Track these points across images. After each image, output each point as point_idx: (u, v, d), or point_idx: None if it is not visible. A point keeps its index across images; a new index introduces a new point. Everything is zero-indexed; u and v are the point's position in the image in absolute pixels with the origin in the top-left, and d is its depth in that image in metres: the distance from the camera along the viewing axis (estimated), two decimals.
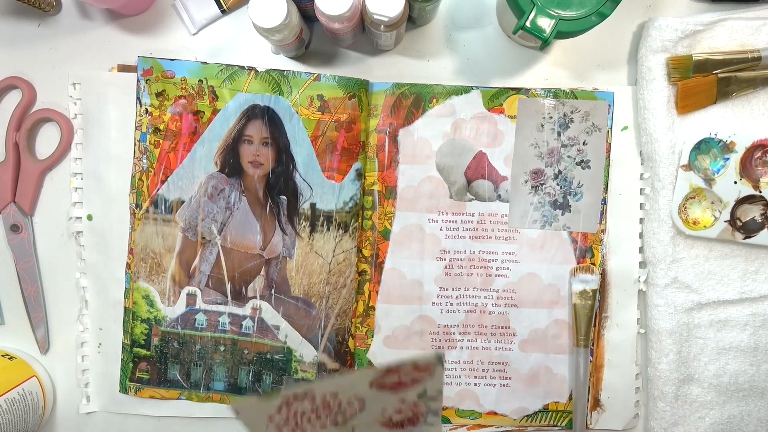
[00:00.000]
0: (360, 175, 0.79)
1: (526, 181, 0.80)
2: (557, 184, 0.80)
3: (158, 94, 0.79)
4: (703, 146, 0.78)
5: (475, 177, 0.80)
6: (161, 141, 0.79)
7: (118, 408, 0.83)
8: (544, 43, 0.68)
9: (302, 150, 0.79)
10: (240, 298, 0.81)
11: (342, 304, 0.80)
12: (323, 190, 0.79)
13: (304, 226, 0.80)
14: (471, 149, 0.80)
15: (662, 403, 0.80)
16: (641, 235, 0.81)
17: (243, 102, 0.79)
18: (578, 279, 0.80)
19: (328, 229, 0.79)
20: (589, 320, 0.80)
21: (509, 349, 0.82)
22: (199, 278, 0.80)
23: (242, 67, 0.79)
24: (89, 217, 0.81)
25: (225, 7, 0.80)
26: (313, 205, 0.79)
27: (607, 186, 0.80)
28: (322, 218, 0.79)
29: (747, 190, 0.77)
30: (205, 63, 0.79)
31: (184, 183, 0.79)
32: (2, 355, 0.80)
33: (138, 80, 0.79)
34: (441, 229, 0.81)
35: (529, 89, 0.80)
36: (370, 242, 0.81)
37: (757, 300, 0.79)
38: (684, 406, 0.81)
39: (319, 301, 0.80)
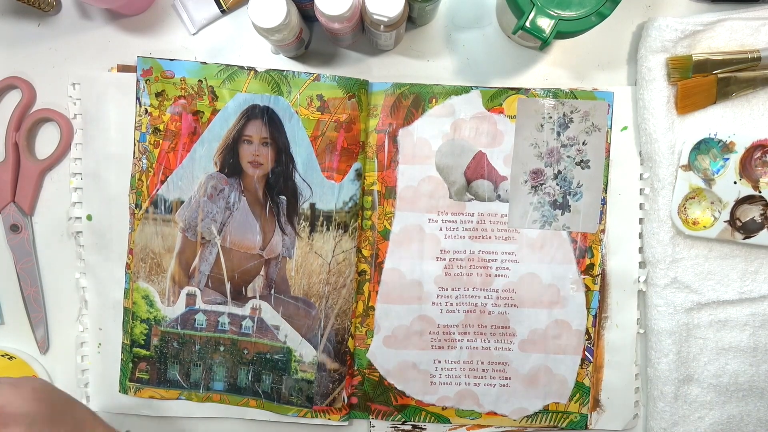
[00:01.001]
0: (359, 175, 0.79)
1: (526, 181, 0.80)
2: (557, 184, 0.80)
3: (158, 94, 0.79)
4: (702, 146, 0.78)
5: (474, 177, 0.80)
6: (161, 141, 0.79)
7: (117, 408, 0.83)
8: (544, 43, 0.68)
9: (302, 150, 0.79)
10: (240, 298, 0.81)
11: (342, 304, 0.80)
12: (323, 190, 0.79)
13: (304, 226, 0.80)
14: (470, 149, 0.80)
15: (662, 403, 0.80)
16: (641, 235, 0.81)
17: (242, 102, 0.79)
18: None
19: (328, 229, 0.79)
20: None
21: (509, 349, 0.82)
22: (199, 278, 0.80)
23: (242, 67, 0.79)
24: (89, 217, 0.81)
25: (225, 7, 0.80)
26: (312, 205, 0.79)
27: (606, 186, 0.80)
28: (321, 218, 0.79)
29: (747, 190, 0.77)
30: (205, 63, 0.79)
31: (184, 183, 0.79)
32: (2, 355, 0.80)
33: (137, 80, 0.79)
34: (440, 229, 0.81)
35: (529, 89, 0.80)
36: (370, 242, 0.81)
37: (757, 300, 0.79)
38: (683, 406, 0.81)
39: (318, 301, 0.80)
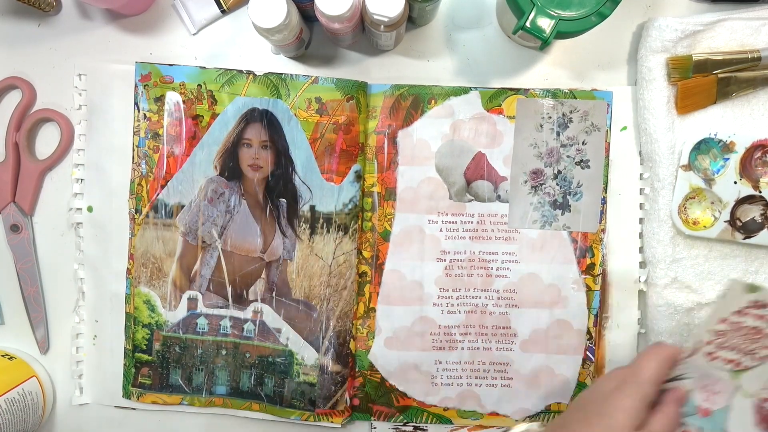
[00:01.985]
0: (359, 176, 0.79)
1: (526, 182, 0.80)
2: (557, 184, 0.80)
3: (156, 99, 0.79)
4: (702, 146, 0.78)
5: (474, 178, 0.80)
6: (160, 146, 0.79)
7: (119, 413, 0.84)
8: (544, 44, 0.67)
9: (301, 152, 0.79)
10: (241, 301, 0.81)
11: (343, 306, 0.80)
12: (322, 192, 0.79)
13: (304, 229, 0.80)
14: (470, 150, 0.80)
15: None
16: (641, 235, 0.81)
17: (242, 106, 0.78)
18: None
19: (328, 231, 0.79)
20: None
21: (510, 350, 0.82)
22: (200, 282, 0.80)
23: (240, 71, 0.79)
24: (89, 209, 0.81)
25: (225, 7, 0.80)
26: (312, 208, 0.79)
27: (606, 186, 0.80)
28: (321, 220, 0.79)
29: (747, 190, 0.77)
30: (204, 68, 0.79)
31: (184, 187, 0.79)
32: (2, 355, 0.80)
33: (136, 86, 0.79)
34: (441, 230, 0.81)
35: (528, 89, 0.80)
36: (370, 244, 0.81)
37: None
38: None
39: (319, 303, 0.80)
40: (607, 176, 0.80)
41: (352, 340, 0.81)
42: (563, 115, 0.80)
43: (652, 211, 0.79)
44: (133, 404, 0.83)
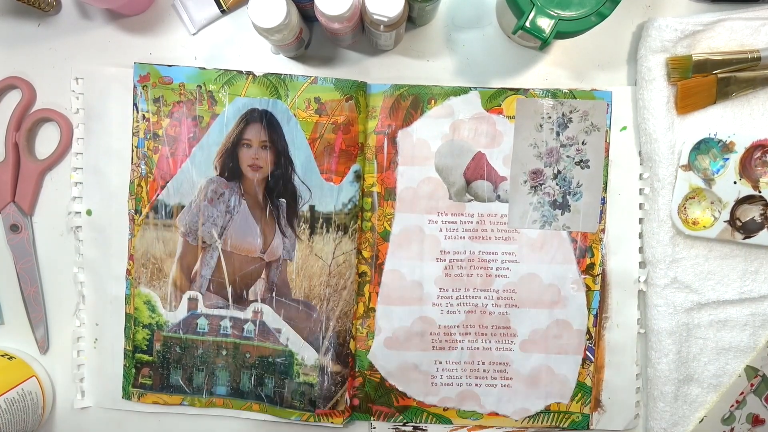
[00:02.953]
0: (359, 176, 0.79)
1: (526, 182, 0.80)
2: (556, 184, 0.80)
3: (155, 100, 0.79)
4: (702, 146, 0.78)
5: (474, 178, 0.80)
6: (160, 147, 0.79)
7: (119, 412, 0.83)
8: (544, 44, 0.67)
9: (300, 152, 0.79)
10: (241, 301, 0.81)
11: (342, 306, 0.80)
12: (322, 192, 0.79)
13: (304, 229, 0.80)
14: (470, 150, 0.80)
15: (662, 403, 0.80)
16: (641, 235, 0.81)
17: (241, 106, 0.78)
18: None
19: (328, 231, 0.79)
20: None
21: (510, 350, 0.82)
22: (201, 282, 0.80)
23: (240, 72, 0.79)
24: (89, 212, 0.81)
25: (225, 7, 0.80)
26: (312, 208, 0.79)
27: (606, 186, 0.80)
28: (321, 220, 0.79)
29: (746, 190, 0.78)
30: (203, 68, 0.79)
31: (184, 188, 0.79)
32: (2, 355, 0.80)
33: (134, 86, 0.79)
34: (440, 230, 0.81)
35: (528, 89, 0.80)
36: (370, 244, 0.81)
37: (757, 300, 0.80)
38: (683, 406, 0.81)
39: (319, 303, 0.80)
40: (606, 176, 0.80)
41: (351, 340, 0.81)
42: (563, 115, 0.79)
43: (652, 211, 0.79)
44: (133, 406, 0.83)
